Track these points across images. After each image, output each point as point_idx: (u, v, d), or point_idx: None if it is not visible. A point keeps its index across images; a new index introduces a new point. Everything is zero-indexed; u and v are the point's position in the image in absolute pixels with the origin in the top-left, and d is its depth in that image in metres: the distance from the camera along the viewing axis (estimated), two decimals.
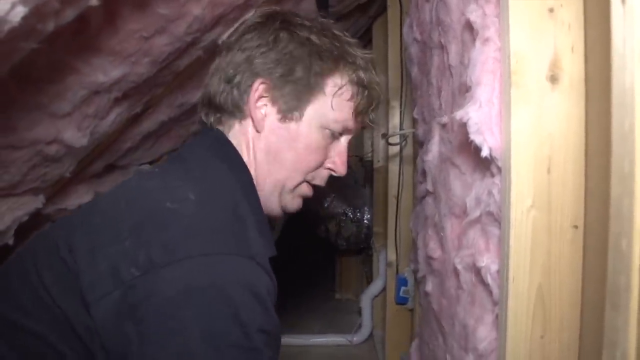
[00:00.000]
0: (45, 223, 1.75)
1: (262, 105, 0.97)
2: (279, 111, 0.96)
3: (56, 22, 0.86)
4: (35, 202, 1.49)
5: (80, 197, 1.75)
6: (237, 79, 0.97)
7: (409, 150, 2.10)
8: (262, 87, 0.96)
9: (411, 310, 2.11)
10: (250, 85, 0.96)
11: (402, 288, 2.11)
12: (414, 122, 1.54)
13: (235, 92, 0.97)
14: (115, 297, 0.69)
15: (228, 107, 0.98)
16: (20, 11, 0.69)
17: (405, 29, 1.55)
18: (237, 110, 0.98)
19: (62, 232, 0.83)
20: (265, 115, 0.96)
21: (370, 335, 2.88)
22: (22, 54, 0.90)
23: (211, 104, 1.01)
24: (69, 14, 0.88)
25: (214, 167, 0.92)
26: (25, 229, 1.61)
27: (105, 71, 1.20)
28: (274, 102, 0.96)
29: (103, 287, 0.70)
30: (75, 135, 1.32)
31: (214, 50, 1.51)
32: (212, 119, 1.02)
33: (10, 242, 1.48)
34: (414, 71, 1.46)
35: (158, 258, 0.70)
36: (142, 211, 0.79)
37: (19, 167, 1.29)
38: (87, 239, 0.77)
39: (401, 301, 2.14)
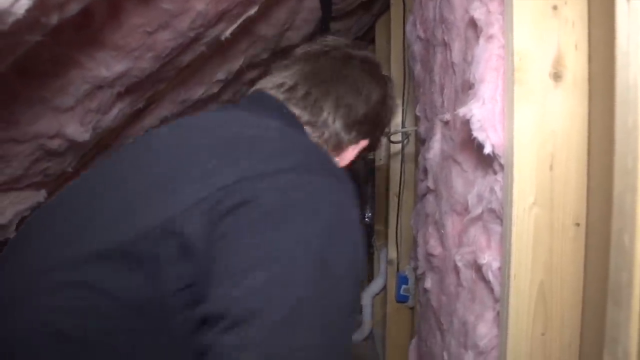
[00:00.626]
0: None
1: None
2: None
3: (60, 15, 0.86)
4: (37, 197, 1.50)
5: None
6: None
7: (410, 148, 2.10)
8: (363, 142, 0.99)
9: (412, 308, 2.11)
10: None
11: (403, 286, 2.11)
12: (416, 119, 1.54)
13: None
14: (209, 204, 0.66)
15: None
16: (24, 3, 0.70)
17: (408, 27, 1.55)
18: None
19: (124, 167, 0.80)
20: None
21: (371, 334, 2.89)
22: (26, 47, 0.91)
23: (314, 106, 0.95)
24: (73, 8, 0.88)
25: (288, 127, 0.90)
26: None
27: (108, 66, 1.21)
28: None
29: (194, 195, 0.67)
30: (78, 130, 1.32)
31: (216, 47, 1.52)
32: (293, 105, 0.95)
33: (12, 236, 1.49)
34: (417, 69, 1.46)
35: (249, 171, 0.69)
36: (222, 138, 0.77)
37: (21, 161, 1.30)
38: (161, 170, 0.74)
39: (402, 299, 2.14)
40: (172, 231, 0.65)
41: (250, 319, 0.61)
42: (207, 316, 0.64)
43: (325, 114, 0.93)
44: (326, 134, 0.94)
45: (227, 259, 0.64)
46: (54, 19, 0.85)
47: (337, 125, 0.93)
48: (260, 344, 0.61)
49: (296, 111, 0.93)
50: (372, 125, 0.99)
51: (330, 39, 1.02)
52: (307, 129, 0.93)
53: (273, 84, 0.96)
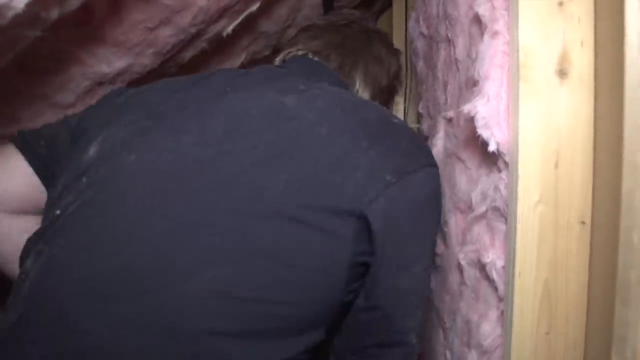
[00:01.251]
0: None
1: None
2: None
3: (60, 10, 0.85)
4: None
5: None
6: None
7: None
8: None
9: None
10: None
11: None
12: (419, 117, 1.53)
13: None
14: (381, 202, 0.75)
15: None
16: None
17: (411, 23, 1.54)
18: None
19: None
20: None
21: None
22: (25, 42, 0.90)
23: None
24: (74, 3, 0.87)
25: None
26: None
27: (109, 62, 1.20)
28: None
29: (370, 192, 0.75)
30: None
31: (218, 43, 1.51)
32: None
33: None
34: (420, 65, 1.45)
35: (404, 167, 0.80)
36: (369, 122, 0.83)
37: None
38: (329, 148, 0.78)
39: None
40: (360, 215, 0.74)
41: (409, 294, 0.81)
42: (369, 292, 0.77)
43: (357, 84, 1.02)
44: None
45: (394, 250, 0.77)
46: (54, 14, 0.84)
47: (365, 95, 0.99)
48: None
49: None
50: (389, 96, 1.10)
51: (345, 11, 1.08)
52: None
53: (309, 49, 1.01)
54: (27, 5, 0.71)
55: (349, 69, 0.99)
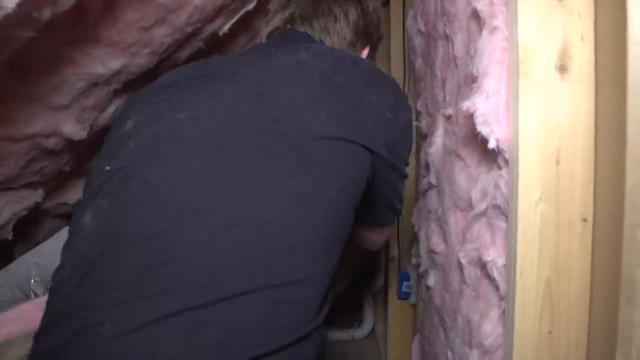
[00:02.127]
0: (45, 218, 1.74)
1: None
2: None
3: (53, 10, 0.84)
4: (34, 196, 1.48)
5: (80, 191, 1.74)
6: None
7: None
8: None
9: (414, 305, 2.10)
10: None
11: (405, 283, 2.09)
12: (417, 114, 1.52)
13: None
14: (387, 131, 0.96)
15: None
16: None
17: (409, 21, 1.53)
18: None
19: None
20: None
21: (372, 331, 2.87)
22: (18, 43, 0.89)
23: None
24: (66, 2, 0.86)
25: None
26: (24, 223, 1.59)
27: (104, 62, 1.19)
28: None
29: (382, 128, 0.95)
30: (75, 128, 1.30)
31: (214, 42, 1.50)
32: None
33: (9, 237, 1.47)
34: (418, 63, 1.44)
35: (396, 103, 0.99)
36: (366, 72, 0.99)
37: (17, 160, 1.28)
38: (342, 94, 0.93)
39: (404, 296, 2.12)
40: (372, 152, 0.93)
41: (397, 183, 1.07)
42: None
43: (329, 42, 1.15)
44: None
45: (388, 162, 0.98)
46: (46, 14, 0.83)
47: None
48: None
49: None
50: (365, 35, 1.20)
51: None
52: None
53: (285, 23, 1.15)
54: (18, 5, 0.70)
55: (317, 34, 1.14)
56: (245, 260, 0.79)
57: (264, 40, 1.17)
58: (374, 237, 1.26)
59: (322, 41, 1.14)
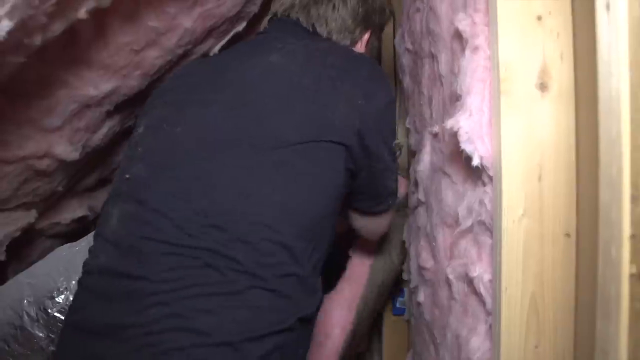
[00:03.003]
0: (38, 238, 1.74)
1: None
2: None
3: (44, 36, 0.86)
4: (27, 217, 1.49)
5: (73, 211, 1.74)
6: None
7: (403, 160, 2.09)
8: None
9: (408, 321, 2.09)
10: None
11: (399, 299, 2.09)
12: (407, 132, 1.53)
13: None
14: (360, 118, 1.00)
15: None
16: (5, 25, 0.69)
17: (397, 39, 1.55)
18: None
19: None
20: None
21: (368, 347, 2.86)
22: (10, 68, 0.90)
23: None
24: (57, 28, 0.88)
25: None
26: (18, 244, 1.60)
27: (96, 85, 1.20)
28: None
29: (353, 117, 1.00)
30: (67, 149, 1.31)
31: None
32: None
33: (2, 257, 1.47)
34: (406, 81, 1.46)
35: (369, 88, 1.04)
36: (338, 63, 1.04)
37: (9, 182, 1.28)
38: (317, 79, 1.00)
39: (398, 312, 2.12)
40: (346, 146, 0.99)
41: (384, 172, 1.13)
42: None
43: (325, 33, 1.19)
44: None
45: (369, 152, 1.04)
46: (37, 40, 0.85)
47: (340, 38, 1.20)
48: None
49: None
50: (366, 21, 1.23)
51: None
52: None
53: (281, 12, 1.20)
54: (9, 33, 0.72)
55: (312, 24, 1.18)
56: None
57: (265, 25, 1.23)
58: (369, 226, 1.29)
59: (314, 29, 1.18)
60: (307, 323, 0.96)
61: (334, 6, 1.19)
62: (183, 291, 0.86)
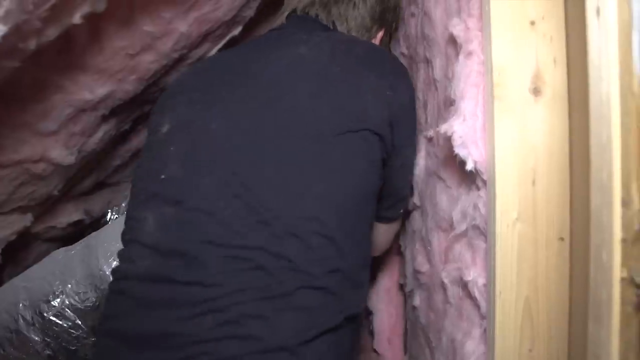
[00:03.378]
0: (34, 242, 1.74)
1: None
2: None
3: (38, 40, 0.86)
4: (23, 221, 1.49)
5: (69, 215, 1.74)
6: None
7: None
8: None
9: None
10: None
11: None
12: None
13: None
14: (386, 108, 1.01)
15: None
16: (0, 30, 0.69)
17: (392, 44, 1.55)
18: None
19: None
20: None
21: None
22: (5, 72, 0.90)
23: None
24: (52, 33, 0.88)
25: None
26: (14, 248, 1.60)
27: (91, 89, 1.20)
28: None
29: (382, 107, 1.01)
30: (63, 153, 1.31)
31: None
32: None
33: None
34: None
35: (395, 80, 1.05)
36: (363, 55, 1.06)
37: (5, 186, 1.28)
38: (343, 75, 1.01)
39: None
40: (379, 135, 1.00)
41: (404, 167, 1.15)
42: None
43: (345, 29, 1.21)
44: None
45: (397, 141, 1.05)
46: (32, 45, 0.85)
47: (356, 33, 1.23)
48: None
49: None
50: (382, 20, 1.27)
51: None
52: None
53: (300, 9, 1.22)
54: (4, 37, 0.72)
55: (332, 21, 1.20)
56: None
57: (284, 20, 1.24)
58: (380, 237, 1.24)
59: (334, 27, 1.20)
60: (354, 319, 0.95)
61: (354, 4, 1.21)
62: (237, 296, 0.83)
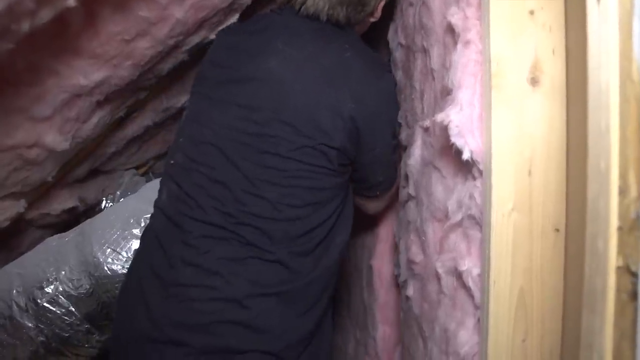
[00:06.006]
0: (28, 228, 1.73)
1: None
2: None
3: (32, 22, 0.85)
4: (16, 207, 1.48)
5: (63, 201, 1.73)
6: None
7: None
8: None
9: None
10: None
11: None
12: (398, 126, 1.53)
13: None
14: (347, 121, 1.16)
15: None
16: None
17: (390, 34, 1.54)
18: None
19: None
20: None
21: None
22: None
23: None
24: (45, 15, 0.87)
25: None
26: (7, 234, 1.59)
27: (86, 74, 1.19)
28: None
29: (338, 125, 1.16)
30: (57, 139, 1.31)
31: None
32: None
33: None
34: (399, 75, 1.45)
35: (359, 91, 1.17)
36: (327, 68, 1.17)
37: None
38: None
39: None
40: (337, 148, 1.16)
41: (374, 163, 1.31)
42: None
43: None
44: None
45: (362, 145, 1.22)
46: (25, 27, 0.84)
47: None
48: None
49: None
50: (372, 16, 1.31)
51: None
52: None
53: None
54: None
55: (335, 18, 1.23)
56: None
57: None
58: (366, 205, 1.49)
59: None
60: (308, 285, 1.19)
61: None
62: (207, 256, 1.13)
